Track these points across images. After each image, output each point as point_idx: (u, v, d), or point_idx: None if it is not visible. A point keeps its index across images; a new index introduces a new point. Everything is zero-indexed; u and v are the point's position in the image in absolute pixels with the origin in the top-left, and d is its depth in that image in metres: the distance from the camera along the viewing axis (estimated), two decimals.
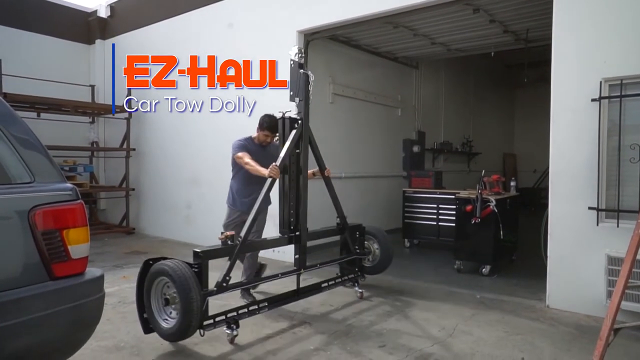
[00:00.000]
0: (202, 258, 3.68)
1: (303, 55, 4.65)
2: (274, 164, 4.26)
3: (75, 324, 2.18)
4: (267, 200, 4.40)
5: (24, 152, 2.13)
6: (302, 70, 4.54)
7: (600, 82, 4.42)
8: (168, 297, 3.66)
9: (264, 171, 4.28)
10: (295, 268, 4.54)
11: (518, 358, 3.58)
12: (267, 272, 5.20)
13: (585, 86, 4.51)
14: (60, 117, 9.26)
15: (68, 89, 9.42)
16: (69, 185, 2.26)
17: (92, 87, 10.15)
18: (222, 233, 4.06)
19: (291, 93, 4.60)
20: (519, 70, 11.52)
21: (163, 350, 3.67)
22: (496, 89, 14.35)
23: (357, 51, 8.73)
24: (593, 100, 4.45)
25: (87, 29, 10.63)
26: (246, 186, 4.69)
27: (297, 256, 4.56)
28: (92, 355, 3.53)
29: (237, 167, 4.70)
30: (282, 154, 4.35)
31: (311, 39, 7.17)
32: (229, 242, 3.97)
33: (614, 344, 3.52)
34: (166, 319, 3.69)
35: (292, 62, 4.59)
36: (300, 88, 4.52)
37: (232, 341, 3.77)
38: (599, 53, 4.47)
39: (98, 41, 10.49)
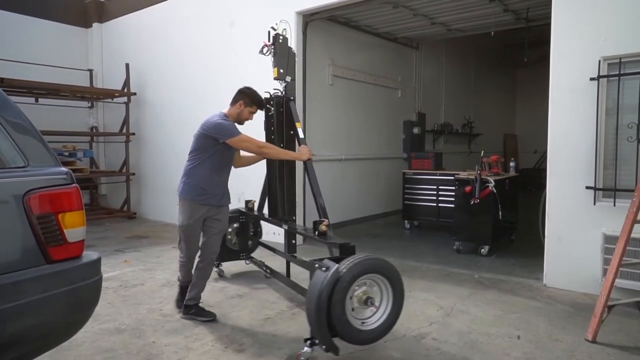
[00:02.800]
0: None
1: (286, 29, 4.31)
2: (304, 145, 4.00)
3: (73, 306, 2.21)
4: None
5: (17, 137, 2.14)
6: (292, 48, 4.31)
7: (599, 61, 4.38)
8: (370, 296, 3.02)
9: (295, 154, 4.03)
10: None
11: (514, 336, 3.63)
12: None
13: (584, 65, 4.47)
14: (58, 103, 9.25)
15: (66, 74, 9.38)
16: (63, 169, 2.27)
17: (90, 71, 10.11)
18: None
19: (281, 71, 4.17)
20: (519, 50, 11.40)
21: (164, 332, 3.73)
22: (497, 70, 14.23)
23: (357, 32, 8.65)
24: (592, 79, 4.42)
25: (84, 12, 10.53)
26: (219, 174, 3.97)
27: (294, 242, 4.39)
28: (93, 337, 3.59)
29: (208, 151, 3.86)
30: (300, 135, 4.10)
31: (310, 20, 7.10)
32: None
33: (607, 320, 3.57)
34: (365, 321, 3.06)
35: (280, 38, 4.20)
36: (289, 66, 4.24)
37: None
38: (598, 31, 4.42)
39: (95, 25, 10.40)
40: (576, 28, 4.58)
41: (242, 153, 4.24)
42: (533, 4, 7.25)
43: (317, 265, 3.03)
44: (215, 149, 3.85)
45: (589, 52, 4.46)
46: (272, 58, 4.19)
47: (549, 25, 4.83)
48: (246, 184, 7.75)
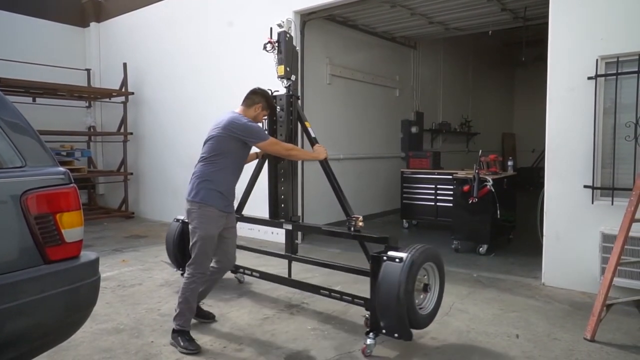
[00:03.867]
0: None
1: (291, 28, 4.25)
2: (319, 144, 3.92)
3: (71, 306, 2.20)
4: None
5: (14, 136, 2.13)
6: (296, 47, 4.26)
7: (597, 60, 4.39)
8: (427, 282, 3.35)
9: (315, 154, 3.91)
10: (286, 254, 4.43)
11: (513, 335, 3.63)
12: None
13: (582, 64, 4.48)
14: (56, 102, 9.23)
15: (63, 73, 9.35)
16: (61, 169, 2.26)
17: (88, 70, 10.08)
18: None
19: (288, 69, 4.09)
20: (517, 49, 11.41)
21: (162, 332, 3.72)
22: (495, 69, 14.24)
23: (355, 31, 8.65)
24: (589, 78, 4.42)
25: (81, 11, 10.50)
26: (236, 179, 3.71)
27: (297, 241, 4.39)
28: (92, 337, 3.59)
29: (232, 155, 3.57)
30: (312, 134, 4.04)
31: (308, 19, 7.09)
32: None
33: (606, 319, 3.58)
34: (421, 307, 3.33)
35: (287, 36, 4.12)
36: (294, 64, 4.16)
37: None
38: (596, 30, 4.43)
39: (93, 24, 10.38)
40: (574, 27, 4.59)
41: None
42: (530, 3, 7.26)
43: (385, 258, 3.17)
44: (238, 152, 3.61)
45: (586, 51, 4.46)
46: (276, 56, 4.12)
47: (546, 24, 4.84)
48: (243, 183, 7.72)
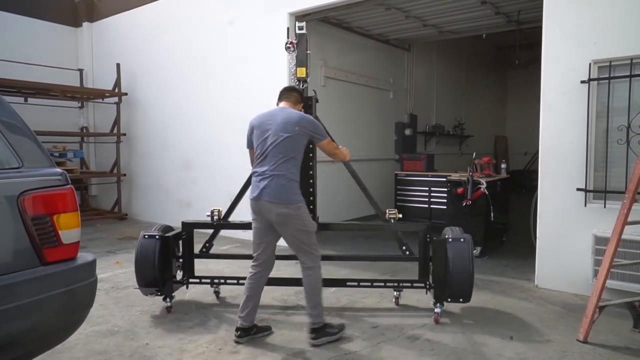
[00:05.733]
0: None
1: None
2: (342, 146, 3.93)
3: (68, 308, 2.19)
4: None
5: (11, 137, 2.12)
6: (308, 52, 4.27)
7: (590, 64, 4.44)
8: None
9: (344, 155, 3.92)
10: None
11: (507, 336, 3.66)
12: None
13: (575, 68, 4.52)
14: (48, 102, 9.16)
15: (55, 73, 9.28)
16: (58, 170, 2.25)
17: (81, 71, 10.02)
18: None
19: (308, 71, 4.17)
20: (510, 52, 11.50)
21: (157, 334, 3.70)
22: (488, 72, 14.34)
23: (349, 34, 8.68)
24: (582, 82, 4.47)
25: (74, 11, 10.43)
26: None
27: None
28: (86, 340, 3.56)
29: (302, 153, 3.54)
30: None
31: (302, 21, 7.09)
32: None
33: (599, 321, 3.62)
34: None
35: (305, 38, 4.17)
36: (309, 65, 4.21)
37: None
38: (589, 35, 4.48)
39: (85, 24, 10.31)
40: (567, 31, 4.64)
41: None
42: (524, 7, 7.32)
43: (450, 239, 3.91)
44: (304, 149, 3.59)
45: (579, 55, 4.51)
46: (295, 58, 4.16)
47: (539, 28, 4.88)
48: (237, 185, 7.71)
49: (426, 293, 4.24)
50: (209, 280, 4.53)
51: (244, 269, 4.56)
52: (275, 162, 3.40)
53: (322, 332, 3.51)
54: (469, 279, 3.84)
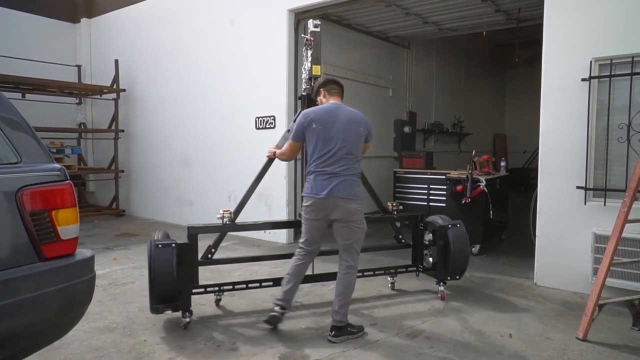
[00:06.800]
0: None
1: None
2: None
3: (66, 305, 2.17)
4: None
5: (9, 132, 2.10)
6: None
7: (591, 62, 4.43)
8: None
9: None
10: None
11: (506, 334, 3.65)
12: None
13: (576, 66, 4.52)
14: (46, 98, 9.10)
15: (53, 69, 9.22)
16: (57, 165, 2.23)
17: (79, 67, 9.97)
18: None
19: (322, 67, 4.26)
20: (510, 50, 11.49)
21: (155, 331, 3.69)
22: (487, 70, 14.32)
23: (348, 31, 8.64)
24: (583, 80, 4.46)
25: (72, 7, 10.37)
26: None
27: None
28: (84, 336, 3.55)
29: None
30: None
31: (302, 17, 7.07)
32: None
33: (598, 319, 3.62)
34: None
35: (320, 37, 4.22)
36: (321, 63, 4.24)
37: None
38: (590, 32, 4.47)
39: (83, 20, 10.27)
40: (568, 29, 4.62)
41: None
42: (524, 5, 7.30)
43: (450, 226, 4.43)
44: None
45: (580, 53, 4.50)
46: (310, 56, 4.16)
47: (539, 26, 4.87)
48: (236, 182, 7.70)
49: (417, 275, 4.78)
50: (216, 288, 4.10)
51: (250, 272, 4.53)
52: (346, 162, 3.53)
53: (344, 331, 3.53)
54: (467, 257, 4.49)
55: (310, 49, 4.16)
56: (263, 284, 4.18)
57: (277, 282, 4.04)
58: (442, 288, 4.47)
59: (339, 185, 3.47)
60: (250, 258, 4.84)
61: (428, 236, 4.72)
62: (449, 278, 4.48)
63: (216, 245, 4.11)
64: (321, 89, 3.82)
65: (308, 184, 3.60)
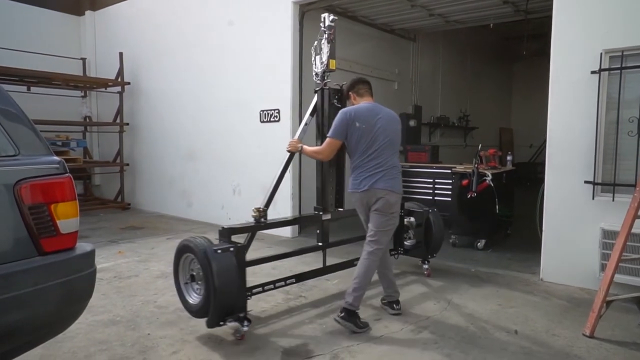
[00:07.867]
0: None
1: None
2: None
3: (66, 299, 2.15)
4: None
5: (7, 124, 2.06)
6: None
7: (601, 54, 4.33)
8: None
9: None
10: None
11: (512, 330, 3.61)
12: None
13: (586, 58, 4.43)
14: (51, 91, 9.11)
15: (58, 62, 9.22)
16: (56, 158, 2.20)
17: (83, 60, 9.96)
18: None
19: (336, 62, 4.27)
20: (517, 43, 11.34)
21: (159, 324, 3.68)
22: (494, 63, 14.17)
23: (354, 23, 8.56)
24: (593, 72, 4.37)
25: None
26: None
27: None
28: (88, 329, 3.54)
29: None
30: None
31: (307, 9, 7.01)
32: None
33: (605, 315, 3.56)
34: None
35: (335, 31, 4.31)
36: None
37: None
38: (601, 24, 4.37)
39: (88, 12, 10.25)
40: (578, 20, 4.53)
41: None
42: None
43: (430, 211, 4.97)
44: None
45: (590, 44, 4.41)
46: (328, 50, 4.20)
47: (548, 17, 4.78)
48: (241, 175, 7.67)
49: (396, 257, 5.03)
50: (271, 286, 3.91)
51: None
52: (390, 156, 3.72)
53: (352, 319, 3.55)
54: (443, 237, 5.07)
55: (330, 43, 4.19)
56: (287, 281, 4.06)
57: (301, 277, 4.18)
58: (426, 266, 4.92)
59: (382, 178, 3.63)
60: (280, 255, 4.48)
61: (410, 220, 5.02)
62: (429, 256, 4.96)
63: (249, 244, 3.80)
64: (350, 93, 3.95)
65: (353, 180, 3.75)
